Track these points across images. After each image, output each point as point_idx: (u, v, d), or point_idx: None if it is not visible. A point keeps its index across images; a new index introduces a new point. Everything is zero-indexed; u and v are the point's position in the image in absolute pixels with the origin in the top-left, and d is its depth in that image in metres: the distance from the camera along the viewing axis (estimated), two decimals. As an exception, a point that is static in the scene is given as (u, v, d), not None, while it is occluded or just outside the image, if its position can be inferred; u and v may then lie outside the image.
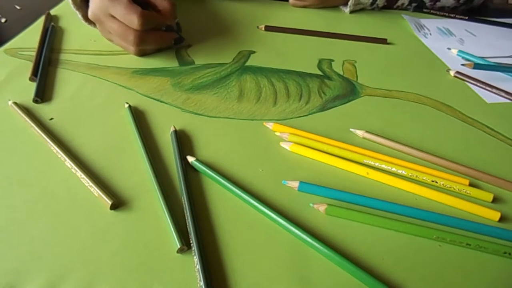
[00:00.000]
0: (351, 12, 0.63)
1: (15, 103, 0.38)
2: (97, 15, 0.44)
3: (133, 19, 0.41)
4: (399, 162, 0.34)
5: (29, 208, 0.29)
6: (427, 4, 0.67)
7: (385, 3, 0.64)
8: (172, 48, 0.49)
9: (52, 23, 0.52)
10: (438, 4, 0.67)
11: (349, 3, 0.62)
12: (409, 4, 0.66)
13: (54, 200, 0.29)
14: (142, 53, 0.47)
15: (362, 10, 0.65)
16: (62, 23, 0.53)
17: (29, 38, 0.49)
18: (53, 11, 0.55)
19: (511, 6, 0.90)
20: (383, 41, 0.55)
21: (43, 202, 0.29)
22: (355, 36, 0.55)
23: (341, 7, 0.65)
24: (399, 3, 0.66)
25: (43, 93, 0.40)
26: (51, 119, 0.37)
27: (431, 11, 0.66)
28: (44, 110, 0.38)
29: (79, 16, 0.49)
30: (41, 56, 0.45)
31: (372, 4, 0.64)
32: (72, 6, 0.48)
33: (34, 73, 0.42)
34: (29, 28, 0.51)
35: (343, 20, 0.61)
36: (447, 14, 0.65)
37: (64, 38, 0.50)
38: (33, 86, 0.40)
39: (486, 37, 0.59)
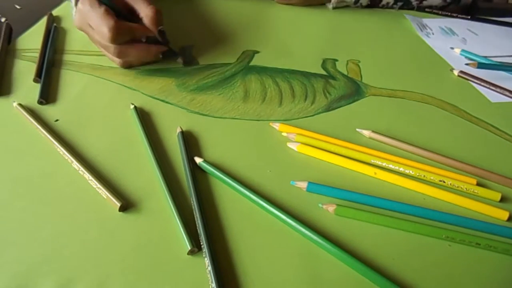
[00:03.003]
0: (334, 8, 0.62)
1: (20, 105, 0.37)
2: (78, 25, 0.42)
3: (104, 33, 0.39)
4: (406, 162, 0.34)
5: (37, 210, 0.29)
6: (413, 3, 0.66)
7: (369, 2, 0.63)
8: (162, 61, 0.46)
9: (55, 24, 0.51)
10: (425, 3, 0.66)
11: (332, 0, 0.61)
12: (395, 3, 0.65)
13: (62, 202, 0.29)
14: (127, 66, 0.44)
15: (362, 10, 0.65)
16: (64, 24, 0.53)
17: (32, 39, 0.49)
18: (55, 12, 0.55)
19: (511, 6, 0.90)
20: None
21: (51, 204, 0.29)
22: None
23: (326, 4, 0.64)
24: (384, 2, 0.65)
25: (48, 95, 0.40)
26: (57, 120, 0.37)
27: (433, 10, 0.66)
28: (49, 111, 0.38)
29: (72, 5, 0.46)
30: (45, 57, 0.44)
31: (355, 2, 0.63)
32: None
33: (38, 74, 0.42)
34: (31, 29, 0.51)
35: (346, 20, 0.61)
36: (449, 14, 0.65)
37: (66, 38, 0.50)
38: (37, 87, 0.40)
39: (489, 37, 0.59)
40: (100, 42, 0.41)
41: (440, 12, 0.66)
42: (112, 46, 0.40)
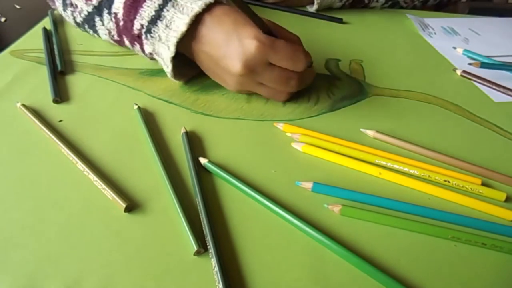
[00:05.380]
0: (317, 10, 0.62)
1: (24, 105, 0.37)
2: (252, 66, 0.36)
3: (300, 61, 0.36)
4: (410, 162, 0.34)
5: (43, 211, 0.29)
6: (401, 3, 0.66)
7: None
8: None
9: (56, 24, 0.51)
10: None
11: (316, 1, 0.60)
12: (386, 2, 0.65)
13: (67, 203, 0.29)
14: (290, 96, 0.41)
15: (364, 10, 0.65)
16: (66, 24, 0.53)
17: (34, 39, 0.49)
18: (56, 12, 0.55)
19: (511, 6, 0.90)
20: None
21: (57, 206, 0.29)
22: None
23: (307, 6, 0.63)
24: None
25: (60, 92, 0.40)
26: (60, 121, 0.37)
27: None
28: (53, 112, 0.38)
29: (168, 70, 0.40)
30: (52, 57, 0.44)
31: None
32: (163, 61, 0.40)
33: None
34: (33, 29, 0.51)
35: (348, 20, 0.61)
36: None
37: (68, 39, 0.50)
38: (39, 88, 0.40)
39: (491, 36, 0.59)
40: (280, 77, 0.37)
41: (441, 12, 0.66)
42: (296, 76, 0.38)
